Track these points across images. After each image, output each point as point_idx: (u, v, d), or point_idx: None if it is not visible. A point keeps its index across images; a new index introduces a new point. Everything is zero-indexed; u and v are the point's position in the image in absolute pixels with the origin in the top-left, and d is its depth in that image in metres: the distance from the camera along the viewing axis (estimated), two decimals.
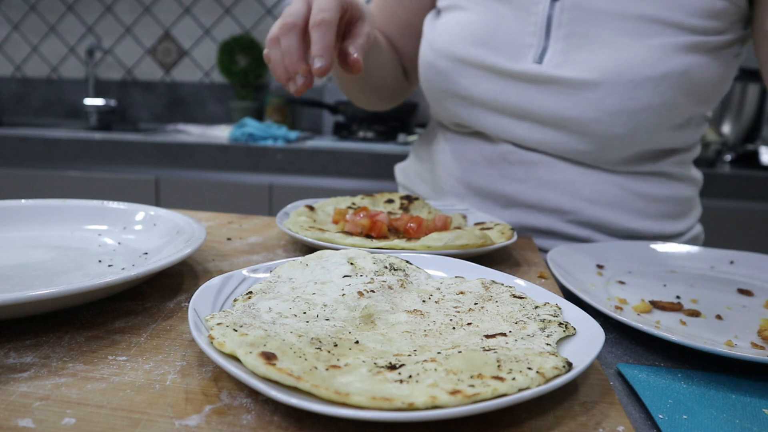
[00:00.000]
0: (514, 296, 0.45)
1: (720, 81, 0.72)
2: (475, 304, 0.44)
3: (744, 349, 0.45)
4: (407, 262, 0.52)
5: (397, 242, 0.59)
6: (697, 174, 0.83)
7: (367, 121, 2.08)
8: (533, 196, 0.76)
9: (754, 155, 1.81)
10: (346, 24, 0.69)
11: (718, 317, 0.53)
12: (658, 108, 0.68)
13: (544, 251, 0.76)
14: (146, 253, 0.57)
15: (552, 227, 0.77)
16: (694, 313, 0.53)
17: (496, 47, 0.72)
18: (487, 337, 0.38)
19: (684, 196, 0.80)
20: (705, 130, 0.81)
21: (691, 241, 0.83)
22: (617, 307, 0.53)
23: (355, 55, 0.66)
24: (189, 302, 0.40)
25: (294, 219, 0.66)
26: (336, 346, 0.36)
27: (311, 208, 0.72)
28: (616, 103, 0.67)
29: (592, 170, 0.75)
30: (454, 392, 0.29)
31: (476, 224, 0.71)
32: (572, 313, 0.42)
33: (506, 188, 0.77)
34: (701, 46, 0.67)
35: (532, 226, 0.78)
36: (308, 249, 0.64)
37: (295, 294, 0.44)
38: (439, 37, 0.76)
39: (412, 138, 2.01)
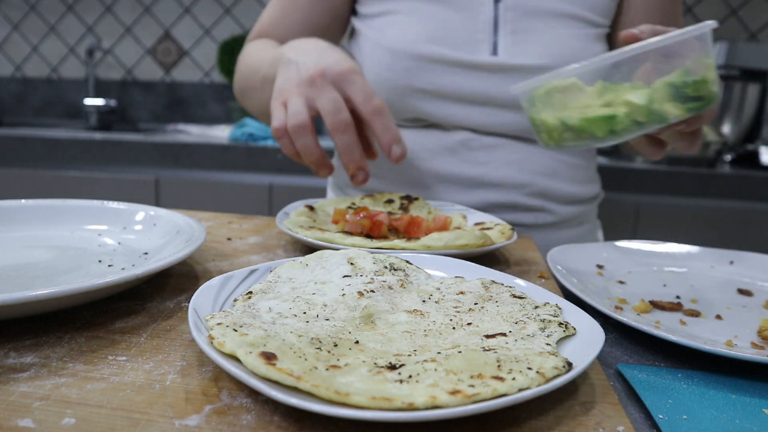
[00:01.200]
0: (514, 296, 0.45)
1: None
2: (475, 304, 0.44)
3: (744, 349, 0.45)
4: (407, 262, 0.52)
5: (397, 242, 0.59)
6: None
7: None
8: (496, 175, 0.85)
9: (754, 155, 1.81)
10: None
11: (718, 317, 0.53)
12: None
13: (513, 225, 0.88)
14: (146, 253, 0.57)
15: (514, 201, 0.86)
16: (694, 313, 0.53)
17: (454, 44, 0.80)
18: (487, 337, 0.38)
19: (590, 161, 0.94)
20: None
21: (596, 207, 0.98)
22: (617, 307, 0.53)
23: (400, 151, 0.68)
24: (189, 302, 0.40)
25: (294, 219, 0.66)
26: (336, 346, 0.36)
27: (311, 208, 0.72)
28: None
29: (537, 147, 0.86)
30: (454, 392, 0.29)
31: (476, 224, 0.71)
32: (572, 313, 0.42)
33: (469, 171, 0.85)
34: (601, 37, 0.85)
35: (496, 202, 0.86)
36: (308, 249, 0.64)
37: (295, 294, 0.44)
38: (394, 38, 0.82)
39: None
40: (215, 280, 0.44)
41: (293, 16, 0.90)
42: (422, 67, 0.81)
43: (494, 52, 0.81)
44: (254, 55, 0.87)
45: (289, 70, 0.69)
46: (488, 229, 0.67)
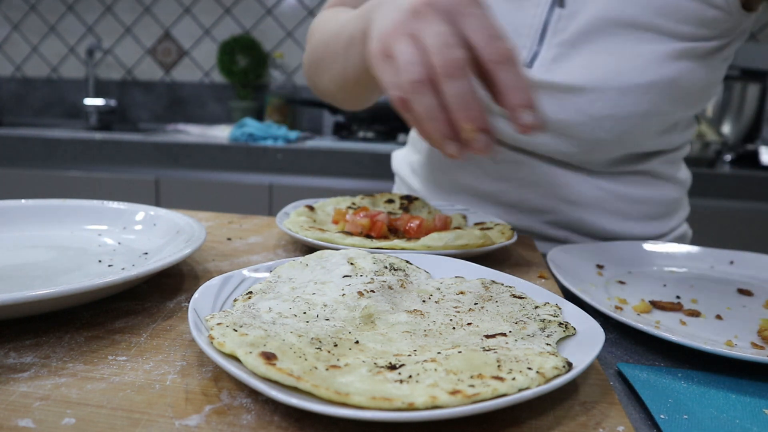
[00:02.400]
0: (514, 296, 0.45)
1: (708, 85, 0.72)
2: (475, 304, 0.44)
3: (744, 349, 0.45)
4: (407, 262, 0.52)
5: (397, 242, 0.59)
6: (685, 174, 0.83)
7: (367, 121, 2.08)
8: (514, 196, 0.77)
9: (754, 155, 1.81)
10: None
11: (718, 317, 0.53)
12: (643, 114, 0.68)
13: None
14: (146, 253, 0.57)
15: (530, 227, 0.78)
16: (694, 313, 0.53)
17: None
18: (487, 337, 0.38)
19: (668, 197, 0.80)
20: (694, 131, 0.81)
21: (676, 241, 0.83)
22: (617, 307, 0.53)
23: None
24: (189, 302, 0.40)
25: (294, 219, 0.66)
26: (336, 346, 0.36)
27: (311, 208, 0.72)
28: (601, 109, 0.68)
29: (574, 172, 0.75)
30: (454, 392, 0.29)
31: (476, 224, 0.71)
32: (572, 313, 0.42)
33: (489, 187, 0.78)
34: (692, 53, 0.67)
35: (516, 226, 0.79)
36: (308, 249, 0.64)
37: (295, 294, 0.44)
38: None
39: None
40: (215, 280, 0.44)
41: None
42: None
43: (530, 63, 0.70)
44: (332, 19, 0.74)
45: (386, 12, 0.51)
46: (488, 229, 0.67)
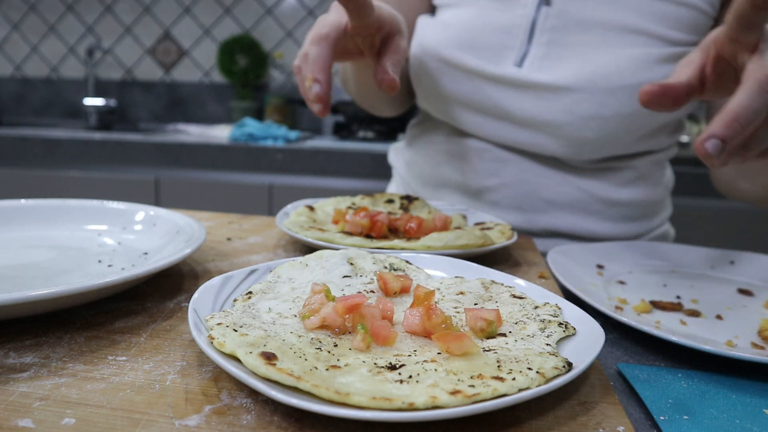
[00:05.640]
0: (514, 296, 0.45)
1: None
2: (475, 304, 0.44)
3: (744, 349, 0.45)
4: (407, 262, 0.52)
5: (397, 242, 0.59)
6: (669, 175, 0.85)
7: (366, 121, 2.08)
8: (497, 193, 0.79)
9: None
10: (383, 38, 0.64)
11: (718, 317, 0.53)
12: (629, 116, 0.69)
13: None
14: (146, 253, 0.57)
15: (515, 225, 0.80)
16: (694, 313, 0.53)
17: (479, 50, 0.73)
18: (488, 337, 0.38)
19: (650, 199, 0.81)
20: (682, 134, 0.81)
21: (657, 240, 0.84)
22: (617, 307, 0.53)
23: (392, 75, 0.61)
24: (189, 302, 0.40)
25: (294, 219, 0.66)
26: (336, 346, 0.36)
27: (311, 208, 0.72)
28: (588, 109, 0.69)
29: (557, 171, 0.77)
30: (454, 392, 0.29)
31: (476, 224, 0.71)
32: (572, 313, 0.42)
33: (474, 182, 0.80)
34: (679, 57, 0.68)
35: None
36: (308, 249, 0.64)
37: (295, 294, 0.44)
38: (428, 37, 0.77)
39: None
40: (215, 280, 0.44)
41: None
42: (443, 71, 0.76)
43: (520, 63, 0.72)
44: None
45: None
46: (488, 229, 0.67)
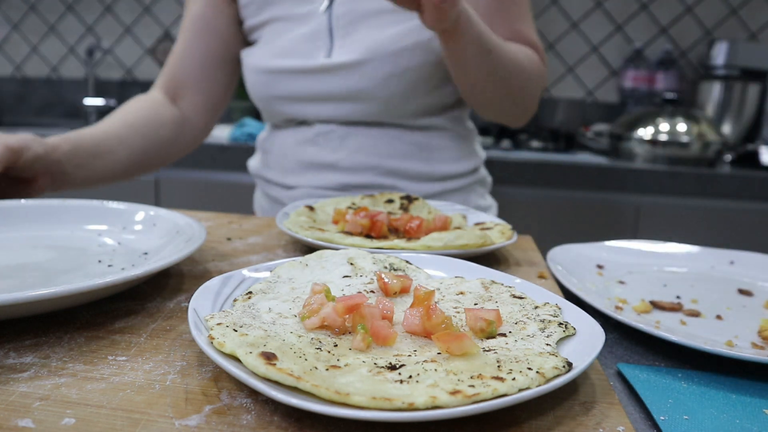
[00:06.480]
0: (514, 296, 0.45)
1: None
2: (475, 304, 0.44)
3: (744, 349, 0.45)
4: (407, 262, 0.52)
5: (397, 242, 0.59)
6: (470, 126, 1.06)
7: None
8: (349, 161, 0.96)
9: (754, 155, 1.81)
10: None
11: (718, 317, 0.53)
12: (417, 69, 0.90)
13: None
14: (146, 253, 0.57)
15: (367, 182, 0.96)
16: (694, 313, 0.53)
17: (295, 55, 0.94)
18: (487, 337, 0.38)
19: (460, 143, 1.02)
20: (458, 90, 0.99)
21: (479, 183, 1.05)
22: (617, 307, 0.53)
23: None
24: (189, 302, 0.40)
25: (294, 219, 0.67)
26: (336, 346, 0.36)
27: (311, 208, 0.72)
28: (386, 70, 0.90)
29: (390, 130, 0.96)
30: (454, 392, 0.29)
31: (476, 224, 0.71)
32: (572, 313, 0.42)
33: (327, 158, 0.96)
34: None
35: (351, 183, 0.96)
36: (308, 249, 0.64)
37: (295, 294, 0.44)
38: (254, 57, 0.98)
39: None
40: (215, 280, 0.44)
41: (194, 56, 1.03)
42: (275, 79, 0.95)
43: (329, 54, 0.92)
44: (120, 114, 0.99)
45: None
46: (488, 229, 0.67)
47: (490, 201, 1.10)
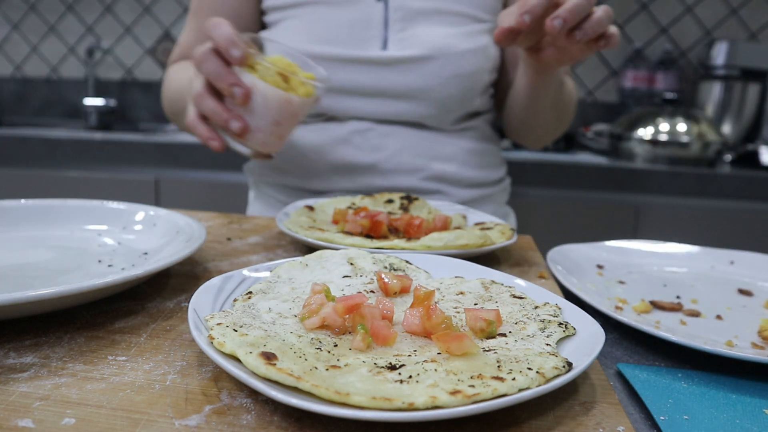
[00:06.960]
0: (514, 296, 0.45)
1: (498, 55, 0.96)
2: (475, 304, 0.44)
3: (744, 349, 0.45)
4: (407, 262, 0.52)
5: (397, 242, 0.59)
6: (494, 132, 1.05)
7: None
8: (390, 162, 0.91)
9: (754, 155, 1.81)
10: None
11: (718, 317, 0.53)
12: (476, 73, 0.90)
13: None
14: (146, 253, 0.57)
15: (410, 185, 0.92)
16: (694, 313, 0.53)
17: (345, 42, 0.87)
18: (487, 337, 0.38)
19: (492, 148, 1.01)
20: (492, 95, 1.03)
21: (505, 190, 1.05)
22: (617, 307, 0.53)
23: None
24: (189, 302, 0.40)
25: (294, 219, 0.67)
26: (336, 346, 0.36)
27: (311, 208, 0.72)
28: (450, 71, 0.87)
29: (431, 133, 0.93)
30: (454, 392, 0.29)
31: (476, 224, 0.71)
32: (572, 313, 0.42)
33: (364, 159, 0.90)
34: (484, 31, 0.92)
35: (392, 187, 0.92)
36: (308, 249, 0.64)
37: (295, 294, 0.44)
38: (291, 40, 0.87)
39: None
40: (215, 280, 0.44)
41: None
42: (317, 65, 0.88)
43: (384, 47, 0.88)
44: (175, 80, 0.94)
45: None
46: (488, 229, 0.67)
47: (507, 208, 1.07)
